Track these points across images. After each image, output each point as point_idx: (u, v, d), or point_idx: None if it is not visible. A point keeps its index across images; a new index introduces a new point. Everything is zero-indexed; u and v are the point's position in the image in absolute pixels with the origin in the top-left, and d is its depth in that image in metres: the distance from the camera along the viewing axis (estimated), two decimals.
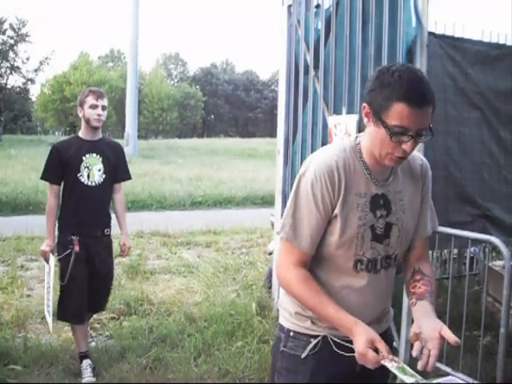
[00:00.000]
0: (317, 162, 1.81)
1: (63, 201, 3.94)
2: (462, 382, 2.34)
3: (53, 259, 3.83)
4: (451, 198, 4.31)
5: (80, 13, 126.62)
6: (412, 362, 3.51)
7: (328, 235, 1.83)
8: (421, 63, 3.57)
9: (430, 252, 5.46)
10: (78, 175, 3.85)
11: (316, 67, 4.35)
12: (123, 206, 4.24)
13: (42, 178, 3.99)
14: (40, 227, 9.14)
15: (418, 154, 2.00)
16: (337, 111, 4.13)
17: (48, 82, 53.18)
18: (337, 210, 1.79)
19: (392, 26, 3.68)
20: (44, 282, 4.20)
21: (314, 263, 1.88)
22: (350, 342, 1.84)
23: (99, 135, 4.01)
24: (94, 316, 4.90)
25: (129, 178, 4.25)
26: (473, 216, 4.43)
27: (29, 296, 5.67)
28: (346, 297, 1.86)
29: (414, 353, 1.68)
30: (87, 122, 3.88)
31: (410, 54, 3.66)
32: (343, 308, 1.80)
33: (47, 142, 32.50)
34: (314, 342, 1.90)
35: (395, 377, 1.70)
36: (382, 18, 3.73)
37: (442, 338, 1.69)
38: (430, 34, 3.88)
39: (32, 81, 41.07)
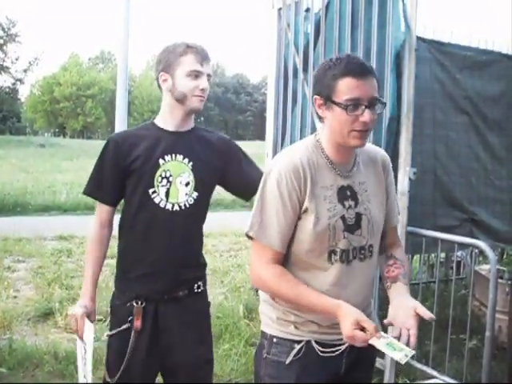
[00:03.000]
0: (281, 162, 1.84)
1: (122, 235, 2.37)
2: None
3: (91, 329, 2.25)
4: (439, 201, 4.33)
5: (70, 14, 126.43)
6: (400, 365, 3.52)
7: (300, 231, 1.83)
8: (409, 67, 3.58)
9: (418, 256, 5.50)
10: (150, 192, 2.26)
11: (305, 70, 4.36)
12: None
13: (85, 192, 2.39)
14: (27, 228, 9.17)
15: (378, 148, 2.08)
16: None
17: (37, 83, 53.09)
18: (306, 204, 1.80)
19: (381, 31, 3.70)
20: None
21: (287, 265, 1.86)
22: (334, 345, 1.86)
23: (191, 123, 2.40)
24: None
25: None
26: (460, 220, 4.45)
27: (15, 297, 5.64)
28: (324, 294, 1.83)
29: (395, 334, 1.70)
30: (179, 100, 2.29)
31: (399, 58, 3.68)
32: None
33: (36, 142, 32.40)
34: (297, 347, 1.88)
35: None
36: (371, 22, 3.74)
37: (418, 316, 1.73)
38: (419, 38, 3.90)
39: (21, 81, 40.97)
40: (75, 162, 23.81)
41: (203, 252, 2.48)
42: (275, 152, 4.73)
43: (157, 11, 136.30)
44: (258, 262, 1.85)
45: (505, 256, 4.95)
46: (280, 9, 4.70)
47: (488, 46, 4.70)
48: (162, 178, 2.27)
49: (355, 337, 1.65)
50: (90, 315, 2.30)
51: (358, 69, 1.75)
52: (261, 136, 4.70)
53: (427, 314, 1.72)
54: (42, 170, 18.96)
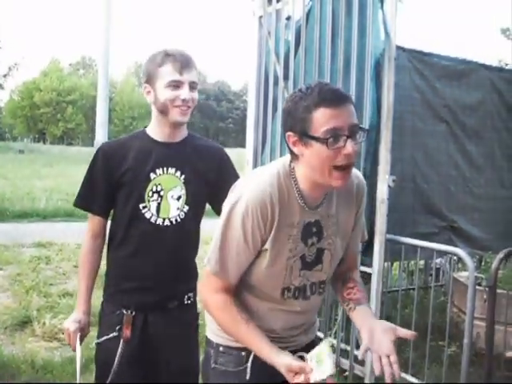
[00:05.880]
0: (249, 193, 1.67)
1: (112, 247, 2.33)
2: None
3: (79, 349, 2.28)
4: (418, 209, 4.37)
5: (51, 19, 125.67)
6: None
7: (255, 266, 1.75)
8: (389, 76, 3.61)
9: (397, 263, 5.53)
10: (141, 206, 2.20)
11: (286, 78, 4.37)
12: None
13: (76, 204, 2.34)
14: (5, 235, 9.06)
15: (357, 173, 1.87)
16: None
17: (17, 88, 52.64)
18: (267, 245, 1.70)
19: (361, 39, 3.72)
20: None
21: (242, 287, 1.80)
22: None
23: (183, 133, 2.32)
24: (59, 326, 4.83)
25: None
26: (439, 228, 4.50)
27: None
28: (275, 317, 1.82)
29: (377, 371, 1.62)
30: (162, 112, 2.20)
31: (379, 66, 3.71)
32: (271, 325, 1.79)
33: (15, 148, 32.10)
34: (244, 354, 1.82)
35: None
36: (351, 31, 3.77)
37: (395, 340, 1.64)
38: (399, 47, 3.94)
39: (1, 86, 40.53)
40: (55, 168, 23.62)
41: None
42: (256, 159, 4.74)
43: (138, 18, 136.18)
44: (207, 287, 1.80)
45: (483, 263, 5.00)
46: (261, 17, 4.71)
47: (466, 55, 4.77)
48: (153, 193, 2.21)
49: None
50: (83, 329, 2.31)
51: (333, 96, 1.58)
52: (242, 143, 4.72)
53: (409, 334, 1.67)
54: (20, 176, 18.74)
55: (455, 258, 4.61)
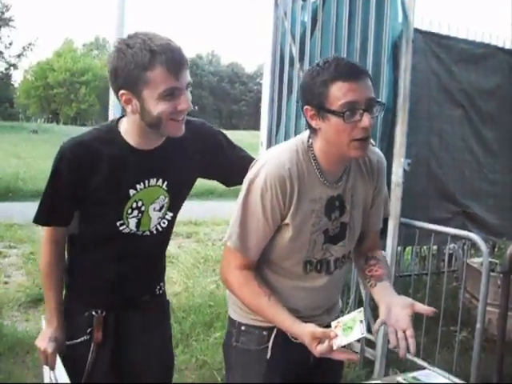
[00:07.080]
0: (268, 168, 1.70)
1: (77, 250, 2.05)
2: (438, 375, 2.36)
3: (60, 365, 1.92)
4: (432, 194, 4.34)
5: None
6: (390, 356, 3.52)
7: (277, 241, 1.78)
8: (406, 58, 3.57)
9: (409, 248, 5.52)
10: (118, 224, 1.91)
11: (301, 60, 4.34)
12: None
13: (38, 221, 1.99)
14: (19, 214, 9.13)
15: (376, 150, 1.92)
16: None
17: (31, 69, 52.69)
18: (288, 220, 1.72)
19: (378, 21, 3.69)
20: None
21: (263, 264, 1.82)
22: None
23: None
24: None
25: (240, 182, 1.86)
26: (452, 213, 4.46)
27: (6, 283, 5.63)
28: (297, 296, 1.83)
29: (392, 344, 1.65)
30: (152, 126, 1.78)
31: (396, 48, 3.67)
32: (294, 305, 1.79)
33: (29, 128, 32.20)
34: (266, 333, 1.84)
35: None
36: (369, 12, 3.73)
37: (412, 315, 1.66)
38: (416, 30, 3.89)
39: (15, 66, 40.79)
40: None
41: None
42: (269, 141, 4.72)
43: None
44: (227, 266, 1.81)
45: (496, 249, 4.97)
46: None
47: (484, 39, 4.70)
48: (133, 210, 1.90)
49: (319, 352, 1.60)
50: (60, 346, 1.98)
51: (350, 70, 1.61)
52: (255, 126, 4.70)
53: (428, 310, 1.68)
54: (34, 155, 18.81)
55: (468, 243, 4.58)
